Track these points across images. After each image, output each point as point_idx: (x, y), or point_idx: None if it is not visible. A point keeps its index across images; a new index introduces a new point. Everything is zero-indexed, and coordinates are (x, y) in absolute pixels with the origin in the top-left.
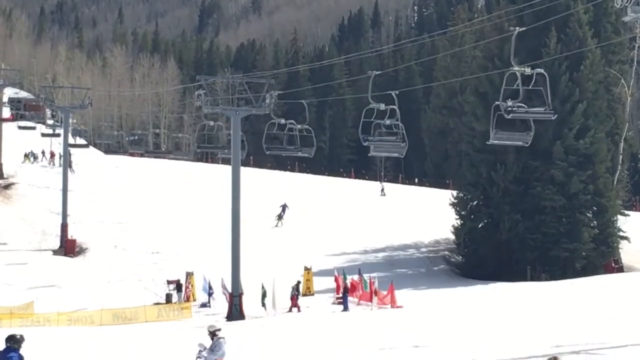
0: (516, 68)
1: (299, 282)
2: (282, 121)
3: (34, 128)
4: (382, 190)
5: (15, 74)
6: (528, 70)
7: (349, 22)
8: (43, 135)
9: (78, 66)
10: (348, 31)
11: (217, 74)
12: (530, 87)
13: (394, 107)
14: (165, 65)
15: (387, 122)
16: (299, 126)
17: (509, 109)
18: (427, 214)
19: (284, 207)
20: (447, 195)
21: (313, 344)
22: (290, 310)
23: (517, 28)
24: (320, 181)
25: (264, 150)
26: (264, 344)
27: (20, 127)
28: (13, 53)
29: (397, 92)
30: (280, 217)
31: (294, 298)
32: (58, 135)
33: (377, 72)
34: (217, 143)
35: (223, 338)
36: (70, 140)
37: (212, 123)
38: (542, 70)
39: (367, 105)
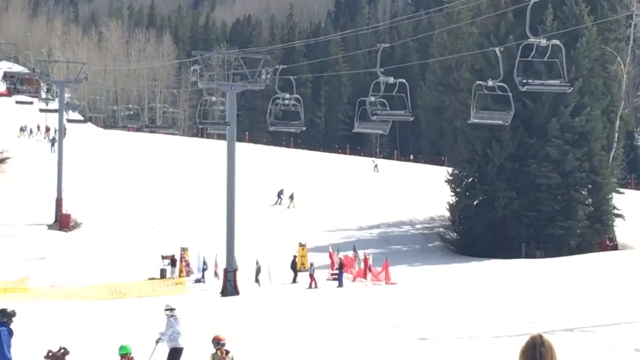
0: (532, 39)
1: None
2: (287, 96)
3: (31, 103)
4: (376, 166)
5: (11, 48)
6: (544, 42)
7: None
8: (41, 110)
9: (74, 40)
10: (344, 7)
11: (212, 49)
12: (545, 59)
13: (403, 80)
14: (161, 40)
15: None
16: (289, 101)
17: (523, 81)
18: (422, 191)
19: (280, 192)
20: (442, 172)
21: (308, 319)
22: (310, 286)
23: None
24: (316, 157)
25: (268, 125)
26: (259, 319)
27: (17, 102)
28: (8, 27)
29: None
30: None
31: (312, 275)
32: (56, 111)
33: (386, 45)
34: (212, 119)
35: (174, 316)
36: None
37: (213, 99)
38: (558, 42)
39: (367, 80)
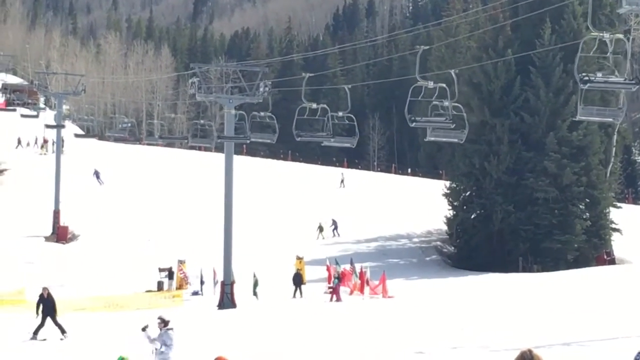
0: (595, 33)
1: (338, 273)
2: (314, 105)
3: (36, 116)
4: (342, 181)
5: (9, 60)
6: (607, 36)
7: (344, 12)
8: (47, 126)
9: (72, 52)
10: (342, 20)
11: (211, 62)
12: (608, 54)
13: (443, 85)
14: (159, 52)
15: (446, 103)
16: (340, 113)
17: (586, 78)
18: (420, 205)
19: (334, 222)
20: (440, 186)
21: (305, 333)
22: (331, 300)
23: None
24: (313, 170)
25: (294, 136)
26: (256, 332)
27: (23, 116)
28: (7, 39)
29: (457, 71)
30: (320, 229)
31: (337, 288)
32: (63, 127)
33: (426, 47)
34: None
35: (172, 329)
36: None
37: (202, 122)
38: (621, 36)
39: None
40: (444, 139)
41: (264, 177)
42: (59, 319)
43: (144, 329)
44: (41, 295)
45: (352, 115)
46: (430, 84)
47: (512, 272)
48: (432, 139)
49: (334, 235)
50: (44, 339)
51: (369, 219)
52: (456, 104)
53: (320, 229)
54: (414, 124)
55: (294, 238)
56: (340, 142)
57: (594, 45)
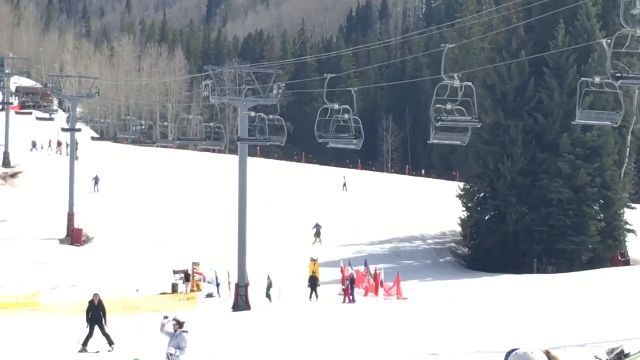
0: (626, 29)
1: (352, 276)
2: (336, 107)
3: (52, 119)
4: (344, 185)
5: (23, 63)
6: None
7: (357, 14)
8: (64, 130)
9: (86, 56)
10: (356, 22)
11: (224, 64)
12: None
13: (469, 84)
14: (173, 55)
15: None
16: (346, 116)
17: (617, 75)
18: (434, 206)
19: (317, 226)
20: (454, 187)
21: (319, 335)
22: (344, 301)
23: None
24: (327, 172)
25: (317, 138)
26: (271, 334)
27: (38, 119)
28: (21, 42)
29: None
30: (318, 235)
31: (348, 290)
32: (79, 130)
33: (452, 46)
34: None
35: (187, 332)
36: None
37: (211, 125)
38: None
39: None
40: (447, 142)
41: (277, 179)
42: (107, 328)
43: (165, 317)
44: (91, 302)
45: (358, 118)
46: (457, 83)
47: (527, 274)
48: (436, 141)
49: (316, 241)
50: (97, 352)
51: (382, 221)
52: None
53: (318, 234)
54: (439, 123)
55: (308, 240)
56: (346, 145)
57: (625, 41)
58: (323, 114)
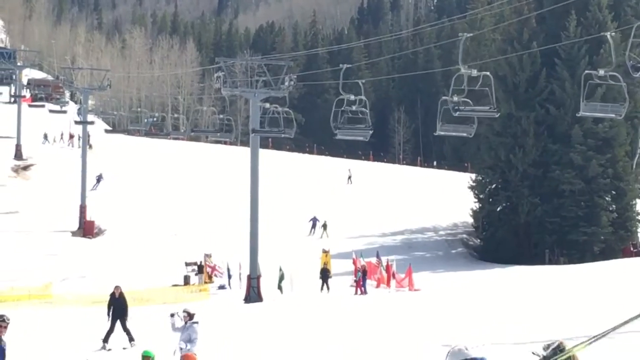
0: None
1: (364, 267)
2: (352, 97)
3: (65, 112)
4: (349, 178)
5: (35, 56)
6: None
7: (368, 5)
8: (77, 122)
9: (97, 48)
10: (367, 14)
11: (236, 56)
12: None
13: (487, 73)
14: (185, 47)
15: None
16: (353, 107)
17: (637, 65)
18: (446, 197)
19: (314, 219)
20: (465, 179)
21: (331, 326)
22: (355, 293)
23: None
24: (337, 164)
25: (333, 129)
26: (282, 326)
27: (51, 111)
28: (33, 34)
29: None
30: (324, 227)
31: (360, 281)
32: (92, 122)
33: (469, 35)
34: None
35: (197, 323)
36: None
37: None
38: None
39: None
40: (454, 133)
41: (289, 170)
42: (128, 323)
43: (172, 315)
44: (112, 295)
45: (365, 109)
46: (474, 72)
47: (539, 265)
48: (442, 133)
49: (311, 233)
50: (125, 348)
51: (394, 212)
52: (466, 99)
53: (324, 226)
54: (457, 113)
55: (313, 233)
56: (353, 136)
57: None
58: (339, 105)
